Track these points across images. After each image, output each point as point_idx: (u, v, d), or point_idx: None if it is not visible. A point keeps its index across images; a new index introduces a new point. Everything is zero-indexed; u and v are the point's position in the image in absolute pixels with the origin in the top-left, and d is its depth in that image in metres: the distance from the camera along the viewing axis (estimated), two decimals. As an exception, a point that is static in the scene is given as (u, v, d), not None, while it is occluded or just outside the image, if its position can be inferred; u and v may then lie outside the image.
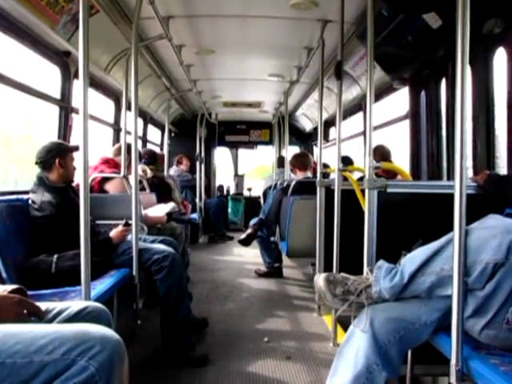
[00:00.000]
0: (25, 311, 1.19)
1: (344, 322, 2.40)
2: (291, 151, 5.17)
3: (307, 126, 7.23)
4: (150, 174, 4.05)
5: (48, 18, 2.35)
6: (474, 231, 1.29)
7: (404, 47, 2.66)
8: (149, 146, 5.86)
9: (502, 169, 2.38)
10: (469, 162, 2.47)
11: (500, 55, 2.31)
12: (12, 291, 1.24)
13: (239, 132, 7.89)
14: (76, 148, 2.43)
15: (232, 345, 2.54)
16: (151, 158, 4.30)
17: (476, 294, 1.25)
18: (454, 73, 1.22)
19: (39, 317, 1.22)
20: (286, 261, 4.43)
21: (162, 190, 4.05)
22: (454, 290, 1.21)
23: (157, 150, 6.16)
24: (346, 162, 3.63)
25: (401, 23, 2.43)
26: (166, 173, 5.01)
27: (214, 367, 2.25)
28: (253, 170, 10.04)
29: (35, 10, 2.21)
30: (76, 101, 3.14)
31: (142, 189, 3.45)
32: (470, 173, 2.42)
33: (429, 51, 2.70)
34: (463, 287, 1.21)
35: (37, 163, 2.34)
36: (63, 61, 2.99)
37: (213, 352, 2.39)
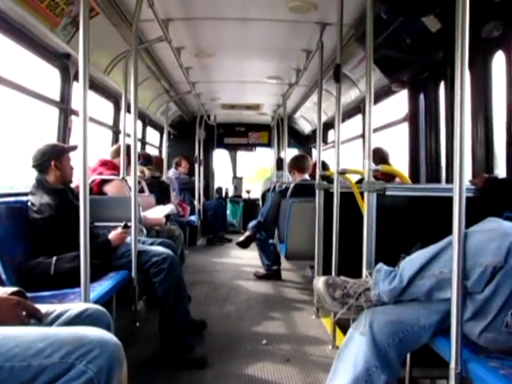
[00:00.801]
0: (24, 313, 1.18)
1: (342, 325, 2.40)
2: (290, 153, 5.16)
3: (306, 128, 7.23)
4: (148, 174, 4.07)
5: (48, 21, 2.35)
6: (473, 234, 1.29)
7: (403, 50, 2.67)
8: (148, 148, 5.87)
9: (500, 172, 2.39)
10: (467, 165, 2.48)
11: (499, 58, 2.32)
12: (12, 293, 1.23)
13: (238, 134, 7.90)
14: (72, 148, 2.42)
15: (230, 347, 2.54)
16: (147, 160, 4.32)
17: (475, 297, 1.26)
18: (453, 76, 1.22)
19: (39, 319, 1.21)
20: (284, 263, 4.42)
21: (160, 192, 4.05)
22: (453, 293, 1.21)
23: (155, 152, 6.16)
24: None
25: (400, 26, 2.44)
26: (164, 175, 5.01)
27: (213, 369, 2.24)
28: (254, 174, 9.98)
29: (35, 12, 2.21)
30: (75, 103, 3.13)
31: (141, 190, 3.45)
32: (468, 176, 2.43)
33: (428, 54, 2.71)
34: (462, 290, 1.21)
35: (33, 167, 2.34)
36: (63, 63, 2.99)
37: (211, 354, 2.38)
